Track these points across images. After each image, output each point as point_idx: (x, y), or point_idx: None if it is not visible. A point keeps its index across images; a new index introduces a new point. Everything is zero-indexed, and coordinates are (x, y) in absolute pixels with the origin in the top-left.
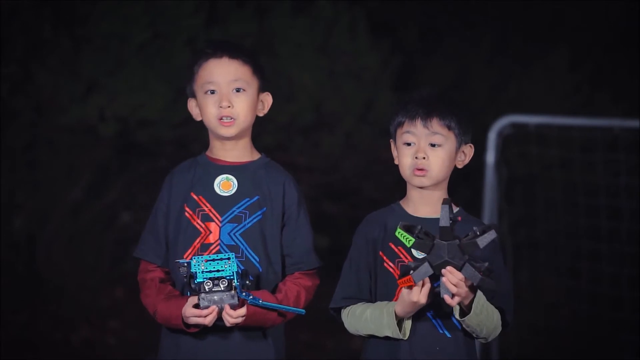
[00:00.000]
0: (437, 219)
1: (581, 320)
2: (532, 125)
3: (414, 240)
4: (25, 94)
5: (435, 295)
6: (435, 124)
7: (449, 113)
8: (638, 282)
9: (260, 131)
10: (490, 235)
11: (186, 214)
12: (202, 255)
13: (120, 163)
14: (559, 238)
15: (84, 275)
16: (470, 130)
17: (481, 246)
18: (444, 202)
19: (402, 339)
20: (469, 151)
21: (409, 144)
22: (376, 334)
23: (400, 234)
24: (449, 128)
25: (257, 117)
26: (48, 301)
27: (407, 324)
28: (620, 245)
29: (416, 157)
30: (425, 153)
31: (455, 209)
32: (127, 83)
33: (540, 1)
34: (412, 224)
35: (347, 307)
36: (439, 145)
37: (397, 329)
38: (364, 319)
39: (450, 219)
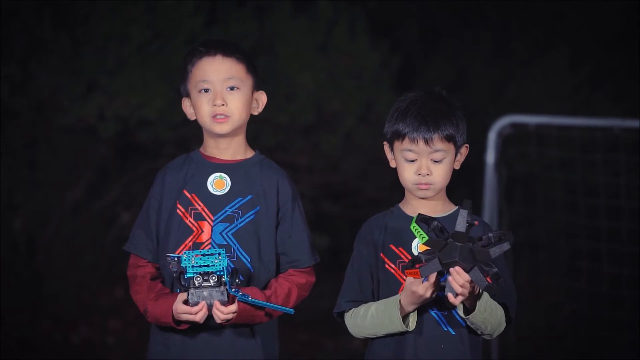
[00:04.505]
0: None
1: (581, 320)
2: (532, 125)
3: (427, 238)
4: (25, 94)
5: (440, 290)
6: (437, 141)
7: (449, 125)
8: (638, 282)
9: (260, 131)
10: (504, 246)
11: (178, 211)
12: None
13: (120, 163)
14: (559, 238)
15: (84, 275)
16: (466, 129)
17: (493, 256)
18: (464, 206)
19: (406, 338)
20: (465, 151)
21: (410, 161)
22: (381, 329)
23: (415, 228)
24: (450, 140)
25: (255, 117)
26: (48, 301)
27: (413, 316)
28: (620, 245)
29: (419, 174)
30: (429, 169)
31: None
32: (127, 83)
33: (540, 1)
34: (429, 217)
35: (350, 310)
36: (442, 160)
37: (400, 317)
38: (370, 315)
39: (468, 222)
